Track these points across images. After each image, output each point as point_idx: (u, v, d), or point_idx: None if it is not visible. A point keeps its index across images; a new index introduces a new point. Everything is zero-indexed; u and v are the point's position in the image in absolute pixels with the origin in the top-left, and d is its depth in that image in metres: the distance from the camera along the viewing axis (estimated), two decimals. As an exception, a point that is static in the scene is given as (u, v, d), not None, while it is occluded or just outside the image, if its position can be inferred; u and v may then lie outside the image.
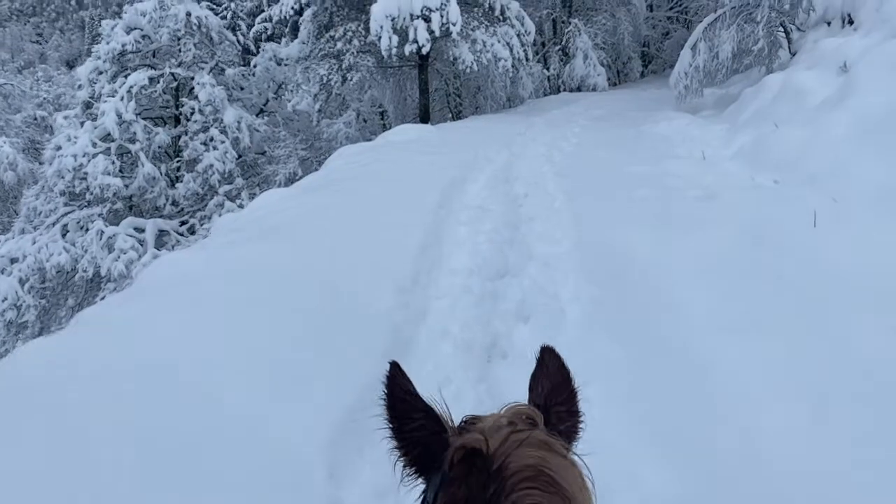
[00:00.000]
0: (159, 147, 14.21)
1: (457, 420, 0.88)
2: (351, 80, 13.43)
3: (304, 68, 14.10)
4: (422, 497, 0.84)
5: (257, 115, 15.93)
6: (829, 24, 12.19)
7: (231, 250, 4.00)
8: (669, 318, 3.18)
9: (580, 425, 0.94)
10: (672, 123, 11.19)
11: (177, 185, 14.24)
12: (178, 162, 14.51)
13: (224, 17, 34.95)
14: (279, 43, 18.99)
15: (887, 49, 7.79)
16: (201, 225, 13.57)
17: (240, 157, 14.30)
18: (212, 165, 13.61)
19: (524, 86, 19.57)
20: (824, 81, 8.91)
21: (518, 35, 14.82)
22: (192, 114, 14.15)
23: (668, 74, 27.39)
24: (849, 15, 11.41)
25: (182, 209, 14.21)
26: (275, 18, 13.30)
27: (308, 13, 14.68)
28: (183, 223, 14.17)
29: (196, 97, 13.96)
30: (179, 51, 14.48)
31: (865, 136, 6.84)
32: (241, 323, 2.98)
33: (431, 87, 19.14)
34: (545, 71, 22.16)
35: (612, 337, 3.02)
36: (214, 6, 34.90)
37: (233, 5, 31.79)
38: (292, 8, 12.91)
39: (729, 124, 11.00)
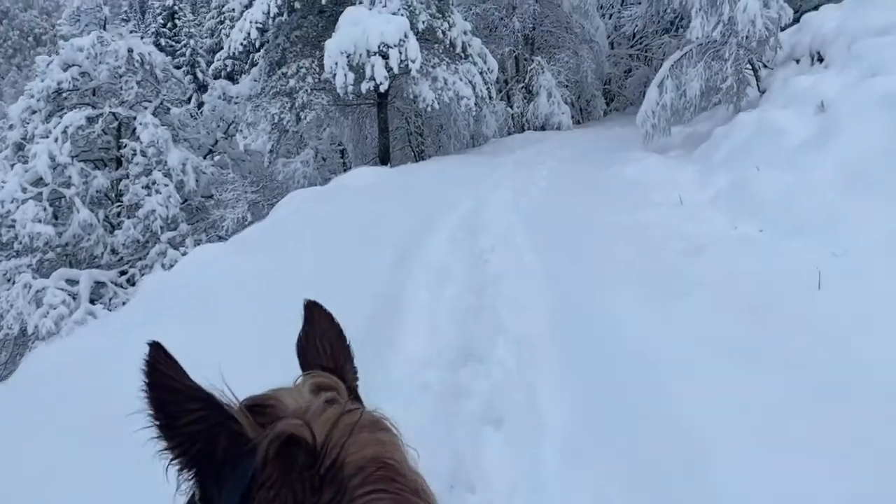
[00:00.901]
0: (97, 191, 13.33)
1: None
2: (305, 118, 12.82)
3: (254, 107, 13.45)
4: (194, 499, 0.66)
5: (205, 157, 15.16)
6: (797, 61, 12.07)
7: (131, 334, 3.28)
8: (672, 431, 2.56)
9: (357, 381, 0.85)
10: (642, 165, 10.81)
11: (116, 231, 13.32)
12: (118, 207, 13.62)
13: (183, 55, 34.37)
14: (238, 81, 18.40)
15: (866, 88, 7.49)
16: (142, 275, 12.64)
17: (185, 201, 13.48)
18: (154, 211, 12.76)
19: (488, 124, 19.24)
20: (802, 121, 8.61)
21: (481, 73, 14.47)
22: (133, 156, 13.33)
23: (630, 112, 27.62)
24: (818, 52, 11.26)
25: (122, 258, 13.28)
26: (223, 56, 12.66)
27: (261, 51, 14.14)
28: (122, 273, 13.22)
29: (138, 138, 13.16)
30: (121, 89, 13.72)
31: (854, 181, 6.45)
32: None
33: (392, 126, 18.68)
34: (509, 109, 21.95)
35: (606, 462, 2.37)
36: (173, 43, 34.33)
37: (192, 42, 31.22)
38: (241, 44, 12.32)
39: (701, 165, 10.68)
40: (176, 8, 35.56)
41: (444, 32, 13.66)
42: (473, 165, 11.36)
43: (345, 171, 23.68)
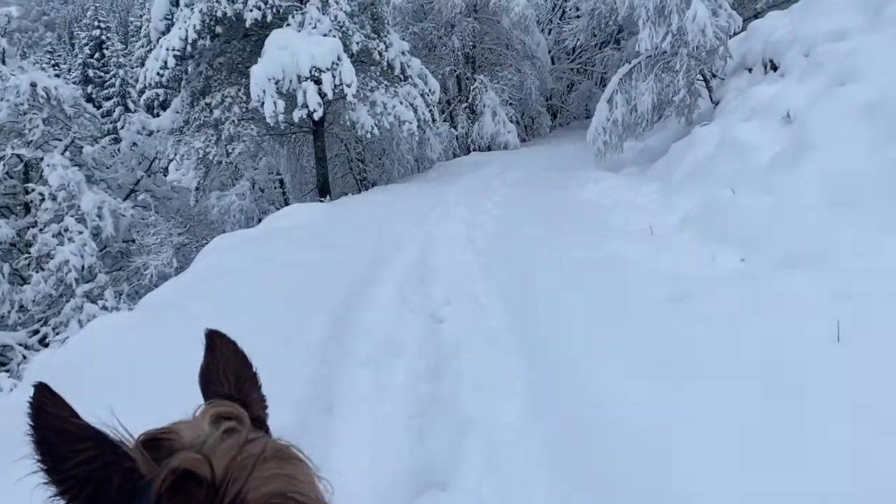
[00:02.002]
0: (1, 243, 12.01)
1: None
2: (233, 151, 11.84)
3: (175, 141, 12.40)
4: None
5: (126, 197, 13.96)
6: (749, 70, 11.77)
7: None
8: None
9: (267, 411, 0.80)
10: (599, 186, 10.25)
11: (24, 286, 12.01)
12: (26, 259, 12.31)
13: (112, 85, 32.77)
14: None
15: (841, 98, 7.03)
16: (56, 334, 11.38)
17: (103, 248, 12.27)
18: (67, 261, 11.54)
19: (432, 147, 18.57)
20: (768, 134, 8.13)
21: (422, 94, 13.78)
22: (41, 201, 12.09)
23: (575, 127, 27.52)
24: (771, 60, 10.94)
25: (32, 316, 11.95)
26: (140, 87, 11.61)
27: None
28: (34, 333, 11.90)
29: (46, 181, 11.94)
30: (25, 128, 12.48)
31: (840, 204, 5.90)
32: None
33: (331, 153, 17.80)
34: (453, 130, 21.35)
35: None
36: (102, 74, 32.72)
37: (121, 72, 29.70)
38: (158, 73, 11.28)
39: (661, 184, 10.18)
40: (104, 38, 34.07)
41: (380, 53, 12.93)
42: (419, 195, 10.59)
43: (285, 201, 22.72)
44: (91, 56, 34.02)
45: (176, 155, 12.58)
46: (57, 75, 42.34)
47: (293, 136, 15.36)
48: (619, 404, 3.02)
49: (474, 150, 20.83)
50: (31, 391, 0.66)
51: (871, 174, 5.90)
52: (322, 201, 12.12)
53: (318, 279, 5.32)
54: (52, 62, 43.26)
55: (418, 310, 4.78)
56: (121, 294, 11.28)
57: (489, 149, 20.52)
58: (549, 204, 8.94)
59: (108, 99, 35.86)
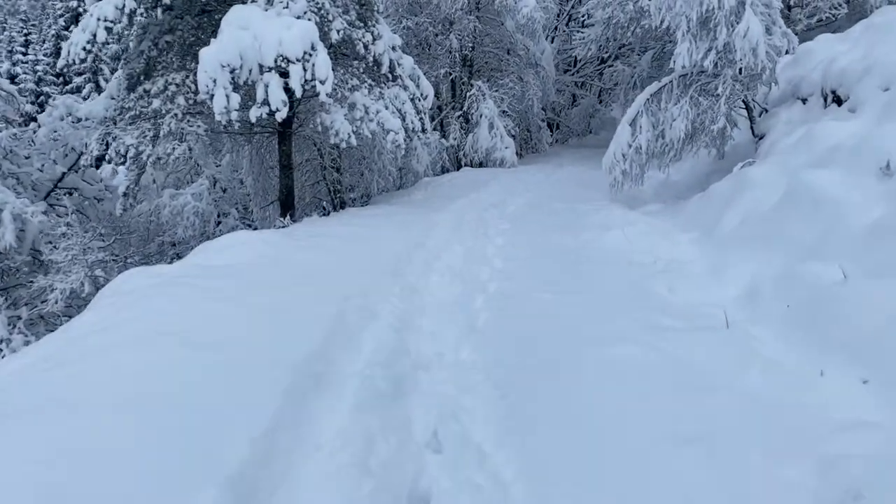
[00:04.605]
0: None
1: None
2: (172, 153, 9.90)
3: (103, 134, 10.43)
4: None
5: (47, 196, 11.92)
6: (804, 101, 10.13)
7: None
8: None
9: None
10: (626, 232, 8.49)
11: None
12: None
13: (84, 61, 30.57)
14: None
15: None
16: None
17: (1, 261, 10.18)
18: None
19: (419, 158, 16.76)
20: (860, 191, 6.41)
21: (412, 99, 11.97)
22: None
23: (574, 145, 25.91)
24: (833, 91, 9.28)
25: None
26: (61, 64, 9.63)
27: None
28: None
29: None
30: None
31: None
32: None
33: (301, 157, 15.91)
34: (444, 141, 19.53)
35: None
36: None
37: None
38: (85, 48, 9.29)
39: (699, 233, 8.46)
40: (80, 10, 32.00)
41: (366, 46, 11.10)
42: (400, 226, 8.76)
43: (245, 207, 20.70)
44: (66, 28, 31.93)
45: (101, 151, 10.59)
46: (26, 45, 39.88)
47: (256, 135, 13.48)
48: None
49: (466, 164, 19.05)
50: None
51: None
52: (281, 224, 10.21)
53: (228, 386, 3.46)
54: (25, 31, 40.92)
55: (385, 464, 2.94)
56: (15, 323, 9.27)
57: (483, 165, 18.75)
58: (566, 253, 7.15)
59: (79, 75, 33.66)
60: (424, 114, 12.51)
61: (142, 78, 10.41)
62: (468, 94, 19.63)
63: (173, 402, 3.22)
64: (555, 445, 3.08)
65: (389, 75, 11.80)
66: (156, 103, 9.94)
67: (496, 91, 20.19)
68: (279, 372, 3.61)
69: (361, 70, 11.54)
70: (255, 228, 18.25)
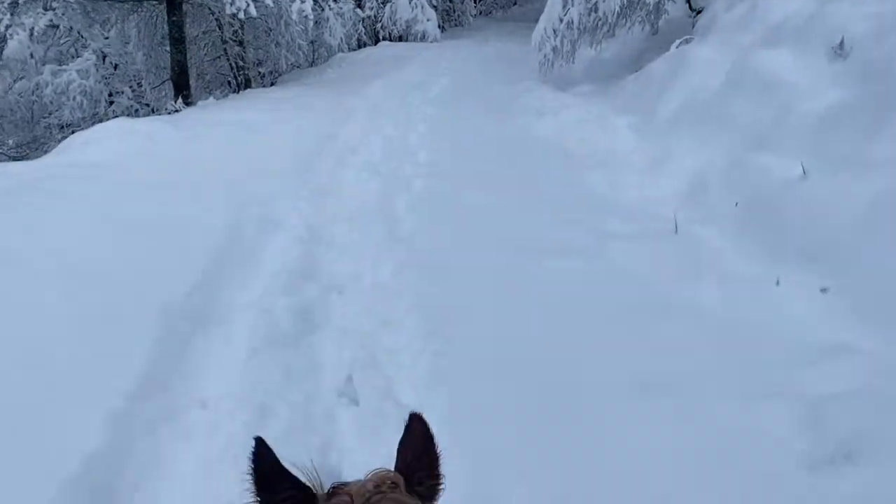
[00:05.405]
0: None
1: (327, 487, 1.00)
2: (37, 23, 8.35)
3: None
4: None
5: None
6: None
7: None
8: None
9: (440, 486, 1.10)
10: (558, 118, 7.86)
11: None
12: None
13: None
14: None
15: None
16: None
17: None
18: None
19: (332, 31, 15.29)
20: (811, 71, 5.96)
21: (321, -39, 10.56)
22: None
23: (500, 18, 24.58)
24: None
25: None
26: None
27: None
28: None
29: None
30: None
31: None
32: None
33: (197, 30, 14.18)
34: (359, 11, 17.89)
35: None
36: None
37: None
38: None
39: (638, 118, 7.95)
40: None
41: None
42: (311, 110, 7.78)
43: (139, 83, 18.71)
44: None
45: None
46: None
47: (144, 2, 11.75)
48: None
49: (384, 38, 17.63)
50: (252, 443, 1.02)
51: None
52: (173, 108, 9.00)
53: (80, 343, 2.71)
54: None
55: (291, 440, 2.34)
56: None
57: (402, 38, 17.41)
58: (497, 144, 6.50)
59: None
60: (335, -21, 11.15)
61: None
62: (385, -44, 17.90)
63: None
64: (494, 399, 2.56)
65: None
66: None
67: (417, -47, 18.46)
68: (150, 316, 2.89)
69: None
70: (153, 110, 16.61)
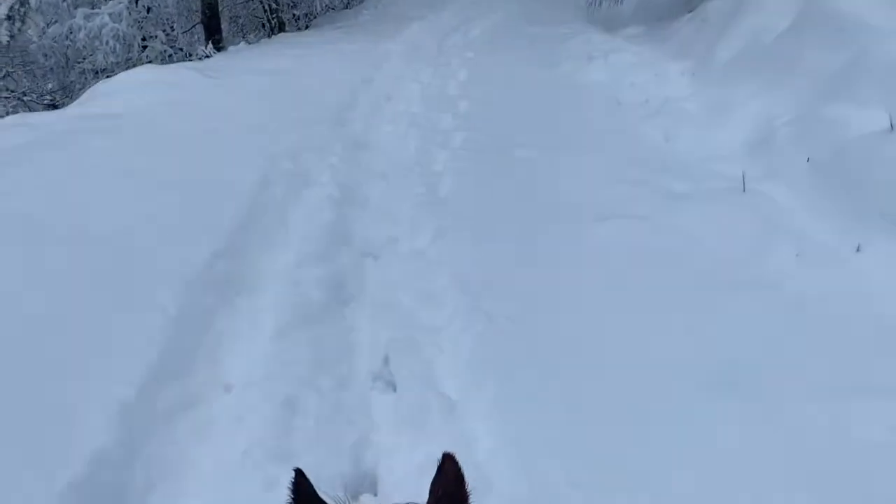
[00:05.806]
0: None
1: None
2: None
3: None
4: None
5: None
6: None
7: None
8: None
9: None
10: (609, 63, 7.34)
11: None
12: None
13: None
14: None
15: None
16: None
17: None
18: None
19: (368, -30, 14.64)
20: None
21: None
22: None
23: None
24: None
25: None
26: None
27: None
28: None
29: None
30: None
31: None
32: None
33: (230, -31, 13.72)
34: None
35: None
36: None
37: None
38: None
39: (692, 62, 7.47)
40: None
41: None
42: (344, 57, 7.38)
43: (171, 26, 18.35)
44: None
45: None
46: None
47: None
48: None
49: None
50: (292, 474, 1.06)
51: None
52: (204, 53, 8.68)
53: (90, 320, 2.47)
54: None
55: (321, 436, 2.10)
56: None
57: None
58: (544, 91, 6.06)
59: None
60: None
61: None
62: None
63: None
64: (542, 391, 2.28)
65: None
66: None
67: None
68: (169, 287, 2.65)
69: None
70: (188, 55, 16.31)
